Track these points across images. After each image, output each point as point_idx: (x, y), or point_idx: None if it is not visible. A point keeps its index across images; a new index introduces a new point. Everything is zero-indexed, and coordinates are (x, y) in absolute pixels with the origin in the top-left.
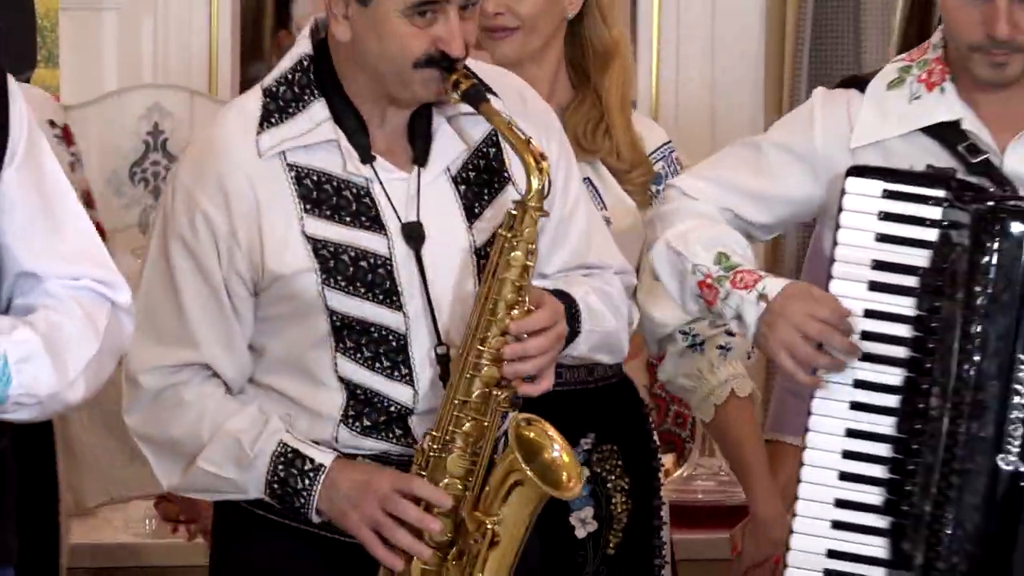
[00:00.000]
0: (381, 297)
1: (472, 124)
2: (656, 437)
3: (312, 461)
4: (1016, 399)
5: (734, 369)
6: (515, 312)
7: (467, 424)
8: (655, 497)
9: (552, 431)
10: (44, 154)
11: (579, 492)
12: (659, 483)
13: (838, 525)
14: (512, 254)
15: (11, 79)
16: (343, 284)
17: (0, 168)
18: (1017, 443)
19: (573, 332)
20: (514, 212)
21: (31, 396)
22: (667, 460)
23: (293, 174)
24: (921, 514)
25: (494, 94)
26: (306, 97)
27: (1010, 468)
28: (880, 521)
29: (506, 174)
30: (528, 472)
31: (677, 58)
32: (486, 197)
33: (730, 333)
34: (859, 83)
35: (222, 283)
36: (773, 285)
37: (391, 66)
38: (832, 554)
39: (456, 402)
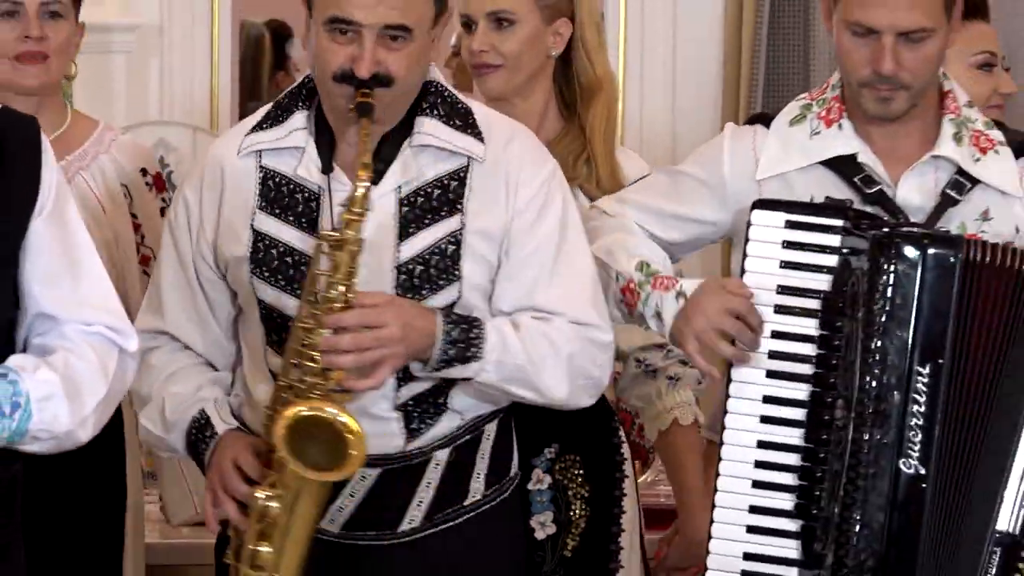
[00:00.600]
0: (299, 292)
1: (444, 158)
2: (625, 450)
3: (213, 428)
4: (914, 407)
5: (680, 398)
6: (333, 307)
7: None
8: (616, 505)
9: (330, 407)
10: (70, 209)
11: (354, 466)
12: (622, 492)
13: (752, 529)
14: (341, 248)
15: (44, 138)
16: (267, 275)
17: (30, 218)
18: (917, 447)
19: (469, 356)
20: (334, 239)
21: (48, 432)
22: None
23: (262, 174)
24: (830, 516)
25: (475, 131)
26: (293, 109)
27: (911, 471)
28: (791, 524)
29: (459, 206)
30: (296, 466)
31: (641, 90)
32: (427, 221)
33: (683, 362)
34: (765, 119)
35: (191, 262)
36: (690, 284)
37: (320, 78)
38: (748, 556)
39: (283, 384)
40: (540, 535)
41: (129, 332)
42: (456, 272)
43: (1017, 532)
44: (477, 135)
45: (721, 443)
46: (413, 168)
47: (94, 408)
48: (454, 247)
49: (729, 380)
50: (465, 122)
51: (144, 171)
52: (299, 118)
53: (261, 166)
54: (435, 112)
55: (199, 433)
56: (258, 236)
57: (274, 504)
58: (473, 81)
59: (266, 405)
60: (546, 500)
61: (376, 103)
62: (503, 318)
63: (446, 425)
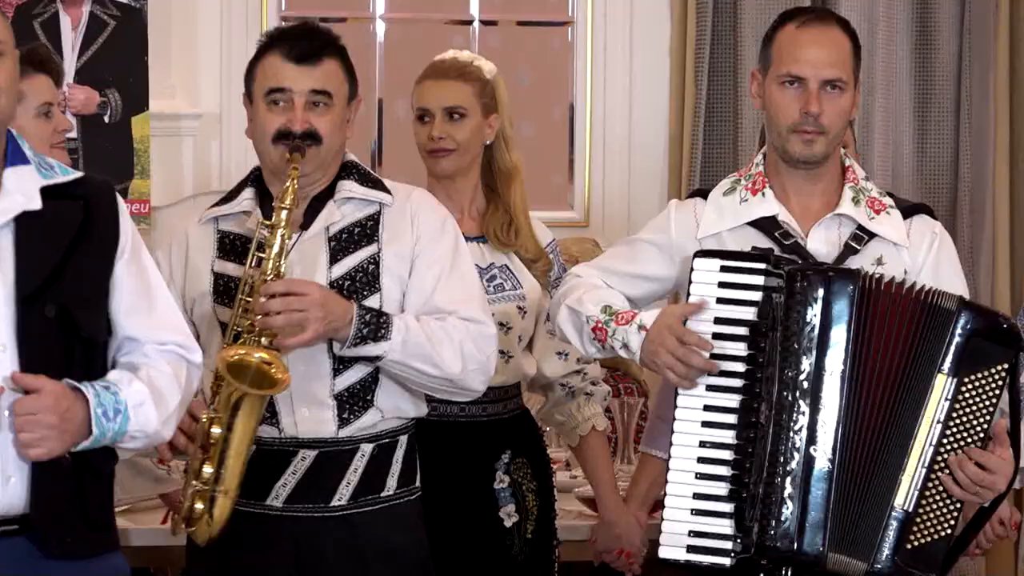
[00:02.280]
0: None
1: (362, 207)
2: (549, 454)
3: None
4: (822, 406)
5: (594, 410)
6: (265, 277)
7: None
8: (552, 495)
9: (255, 349)
10: (143, 251)
11: (284, 382)
12: (553, 485)
13: (696, 512)
14: (274, 234)
15: (119, 198)
16: (225, 302)
17: (114, 262)
18: (824, 438)
19: (379, 336)
20: (268, 224)
21: (142, 432)
22: None
23: (218, 235)
24: (756, 495)
25: (381, 188)
26: (242, 189)
27: (819, 456)
28: (727, 507)
29: (375, 237)
30: (236, 383)
31: (604, 169)
32: (351, 249)
33: (594, 383)
34: (703, 193)
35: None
36: (648, 317)
37: (260, 143)
38: (692, 533)
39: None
40: (508, 523)
41: (194, 348)
42: (377, 285)
43: (911, 509)
44: (385, 190)
45: (671, 443)
46: (337, 214)
47: (173, 411)
48: (374, 266)
49: (677, 393)
50: (376, 183)
51: None
52: (247, 192)
53: (218, 229)
54: (353, 176)
55: None
56: (217, 276)
57: (216, 428)
58: (425, 163)
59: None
60: (507, 495)
61: (307, 156)
62: (409, 315)
63: (370, 419)
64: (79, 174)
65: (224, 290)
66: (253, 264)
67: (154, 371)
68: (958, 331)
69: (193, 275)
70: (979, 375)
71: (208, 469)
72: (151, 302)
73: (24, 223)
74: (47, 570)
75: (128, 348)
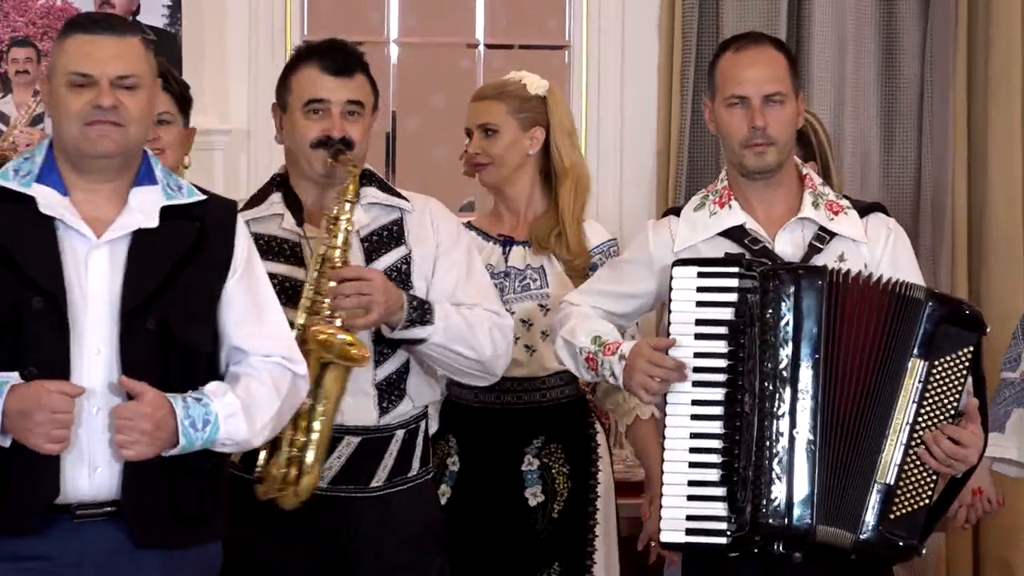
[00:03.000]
0: (293, 304)
1: (385, 212)
2: (600, 438)
3: None
4: (801, 390)
5: (637, 402)
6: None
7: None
8: (592, 478)
9: (338, 331)
10: (257, 269)
11: (368, 357)
12: (597, 469)
13: (692, 497)
14: (337, 230)
15: (239, 217)
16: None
17: (225, 280)
18: (805, 420)
19: (425, 320)
20: (333, 219)
21: (231, 440)
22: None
23: (254, 238)
24: (746, 478)
25: (399, 195)
26: (269, 192)
27: (801, 438)
28: (719, 491)
29: (403, 241)
30: (327, 355)
31: (597, 178)
32: (382, 251)
33: None
34: (675, 211)
35: None
36: (627, 347)
37: (299, 148)
38: (689, 517)
39: (299, 332)
40: (532, 503)
41: (299, 360)
42: (409, 283)
43: (892, 483)
44: (403, 198)
45: (663, 437)
46: (365, 218)
47: (266, 422)
48: (406, 266)
49: (666, 397)
50: (394, 191)
51: None
52: (275, 196)
53: (252, 233)
54: (374, 183)
55: None
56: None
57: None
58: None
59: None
60: (535, 477)
61: (347, 156)
62: (444, 305)
63: (404, 407)
64: (203, 196)
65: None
66: (321, 255)
67: (254, 383)
68: (927, 318)
69: None
70: (948, 358)
71: (301, 437)
72: (260, 317)
73: (139, 239)
74: (135, 557)
75: (237, 358)
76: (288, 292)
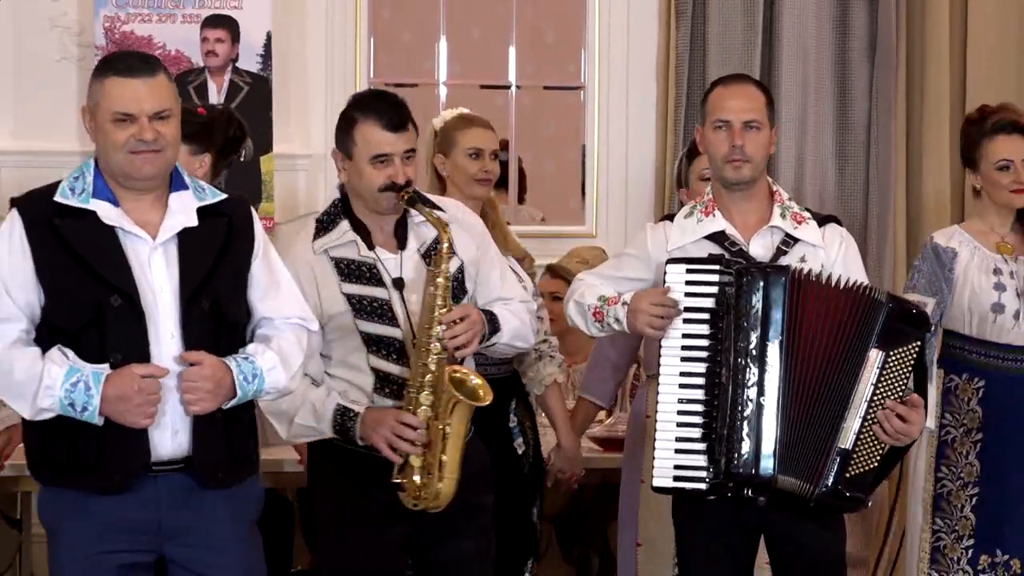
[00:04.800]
0: (386, 320)
1: (428, 229)
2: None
3: (352, 411)
4: (768, 367)
5: (553, 369)
6: (443, 311)
7: (428, 376)
8: (537, 432)
9: (471, 374)
10: (271, 249)
11: (490, 399)
12: (535, 423)
13: (678, 451)
14: (436, 280)
15: (252, 210)
16: (365, 316)
17: (251, 262)
18: (772, 390)
19: (496, 329)
20: (434, 255)
21: (275, 389)
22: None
23: (333, 263)
24: (722, 436)
25: (440, 209)
26: (337, 220)
27: (767, 404)
28: (701, 446)
29: (454, 251)
30: (459, 396)
31: (608, 195)
32: (441, 264)
33: (554, 350)
34: (670, 217)
35: None
36: (628, 296)
37: (367, 192)
38: (676, 467)
39: (420, 365)
40: (519, 451)
41: (312, 320)
42: (465, 288)
43: (850, 448)
44: (439, 208)
45: (657, 402)
46: (419, 235)
47: (296, 370)
48: (462, 275)
49: (659, 364)
50: (431, 203)
51: None
52: (345, 225)
53: (331, 257)
54: (419, 203)
55: (342, 417)
56: (350, 297)
57: (439, 425)
58: (471, 189)
59: (407, 382)
60: (517, 431)
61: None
62: (497, 308)
63: None
64: (224, 195)
65: (359, 307)
66: (431, 301)
67: (283, 341)
68: (886, 316)
69: (328, 299)
70: (900, 349)
71: (444, 457)
72: (278, 288)
73: (185, 237)
74: (202, 497)
75: (263, 324)
76: (368, 308)
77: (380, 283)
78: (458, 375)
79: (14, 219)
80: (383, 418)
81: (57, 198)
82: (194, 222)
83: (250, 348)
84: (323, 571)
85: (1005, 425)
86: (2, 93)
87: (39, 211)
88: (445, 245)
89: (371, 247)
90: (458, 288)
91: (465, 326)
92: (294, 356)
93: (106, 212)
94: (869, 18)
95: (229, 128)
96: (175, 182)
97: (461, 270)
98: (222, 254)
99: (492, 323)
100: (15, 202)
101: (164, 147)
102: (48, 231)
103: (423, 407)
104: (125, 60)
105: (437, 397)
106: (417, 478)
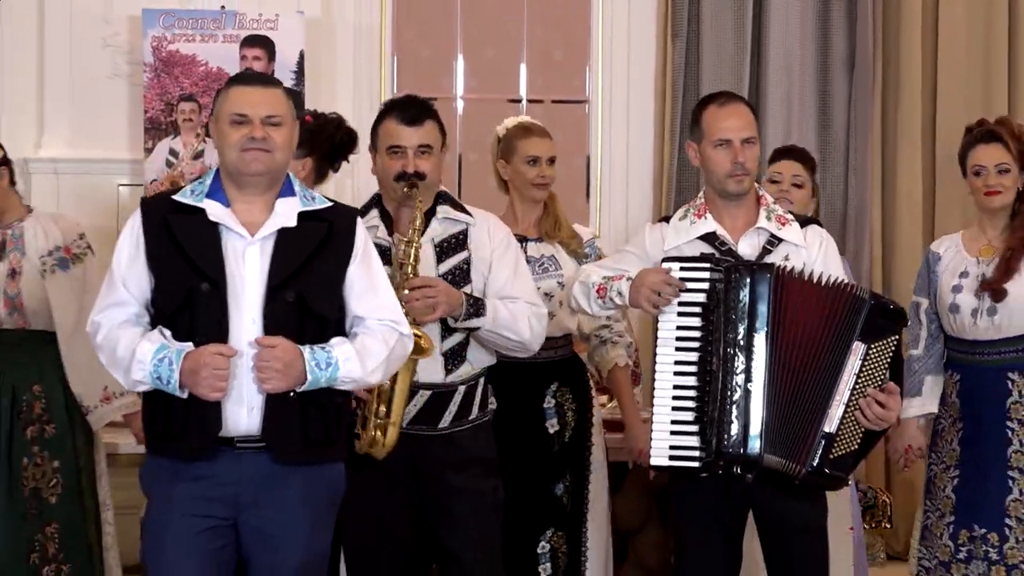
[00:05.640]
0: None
1: (454, 225)
2: (592, 386)
3: None
4: (754, 356)
5: (617, 353)
6: (410, 279)
7: None
8: (590, 412)
9: (413, 329)
10: (372, 257)
11: (432, 349)
12: (592, 407)
13: (673, 432)
14: (401, 247)
15: (359, 220)
16: None
17: (347, 266)
18: (758, 377)
19: (479, 313)
20: (407, 242)
21: (350, 379)
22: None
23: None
24: (713, 419)
25: (468, 214)
26: (370, 208)
27: (754, 391)
28: (694, 428)
29: (466, 246)
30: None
31: (611, 198)
32: (450, 254)
33: (619, 335)
34: (667, 219)
35: None
36: (632, 273)
37: (385, 180)
38: (671, 447)
39: None
40: (551, 430)
41: (403, 322)
42: (468, 279)
43: (834, 432)
44: (468, 214)
45: (653, 388)
46: (439, 229)
47: (377, 366)
48: (467, 266)
49: (655, 354)
50: (462, 208)
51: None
52: (374, 212)
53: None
54: (448, 202)
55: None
56: None
57: (385, 384)
58: (530, 192)
59: None
60: (552, 412)
61: (419, 188)
62: (492, 299)
63: (464, 370)
64: (330, 204)
65: None
66: (397, 267)
67: (368, 338)
68: (869, 312)
69: None
70: (880, 342)
71: (382, 408)
72: (375, 292)
73: (282, 235)
74: (277, 474)
75: (358, 323)
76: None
77: (390, 263)
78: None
79: (136, 216)
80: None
81: (176, 197)
82: (292, 223)
83: (332, 340)
84: (344, 530)
85: (980, 413)
86: (60, 106)
87: (158, 208)
88: (418, 221)
89: (390, 232)
90: (461, 277)
91: (426, 292)
92: (376, 351)
93: (214, 210)
94: (848, 36)
95: (337, 134)
96: (286, 189)
97: (468, 261)
98: (316, 253)
99: (475, 306)
100: (143, 201)
101: (273, 149)
102: (161, 225)
103: None
104: (248, 74)
105: None
106: (369, 429)
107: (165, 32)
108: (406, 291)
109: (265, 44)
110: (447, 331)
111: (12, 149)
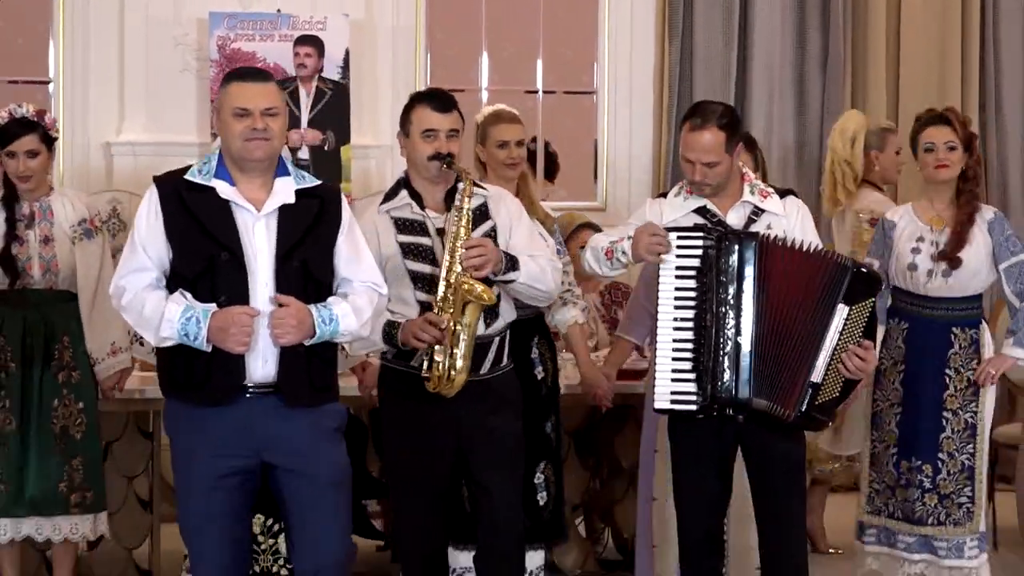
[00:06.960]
0: (428, 261)
1: (476, 198)
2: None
3: (397, 323)
4: (743, 313)
5: (575, 312)
6: (464, 239)
7: (448, 288)
8: (557, 364)
9: (477, 283)
10: (356, 229)
11: (493, 299)
12: (556, 357)
13: (673, 380)
14: (460, 210)
15: (344, 196)
16: (412, 257)
17: (336, 237)
18: (747, 331)
19: (514, 267)
20: (459, 208)
21: (348, 332)
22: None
23: (393, 220)
24: (708, 367)
25: (485, 189)
26: (399, 190)
27: (743, 343)
28: (691, 376)
29: (489, 217)
30: (471, 297)
31: (615, 176)
32: (478, 223)
33: (578, 296)
34: (664, 195)
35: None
36: (632, 231)
37: (419, 161)
38: (672, 392)
39: (443, 281)
40: (539, 377)
41: (382, 285)
42: (496, 243)
43: (819, 381)
44: (484, 188)
45: (656, 341)
46: (465, 203)
47: (367, 320)
48: (494, 233)
49: (657, 311)
50: (479, 184)
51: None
52: (404, 193)
53: (392, 217)
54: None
55: (390, 328)
56: (403, 244)
57: (454, 324)
58: (500, 172)
59: (439, 297)
60: (538, 361)
61: (453, 166)
62: (521, 255)
63: (498, 324)
64: (319, 182)
65: (407, 250)
66: (454, 232)
67: (357, 297)
68: (851, 278)
69: (386, 245)
70: (859, 305)
71: (455, 351)
72: (359, 258)
73: (284, 211)
74: (289, 414)
75: (344, 284)
76: (415, 251)
77: (426, 233)
78: (466, 285)
79: (152, 191)
80: (412, 321)
81: (187, 176)
82: (292, 199)
83: (329, 300)
84: (387, 469)
85: (922, 359)
86: (137, 96)
87: (172, 186)
88: (467, 188)
89: (422, 208)
90: (492, 241)
91: (480, 251)
92: (364, 309)
93: (223, 189)
94: (822, 39)
95: None
96: (280, 168)
97: (494, 229)
98: (314, 226)
99: (511, 261)
100: (155, 179)
101: (272, 136)
102: (178, 201)
103: (445, 313)
104: (245, 71)
105: (455, 303)
106: (440, 366)
107: (229, 32)
108: (462, 250)
109: (316, 43)
110: (487, 286)
111: (96, 134)
